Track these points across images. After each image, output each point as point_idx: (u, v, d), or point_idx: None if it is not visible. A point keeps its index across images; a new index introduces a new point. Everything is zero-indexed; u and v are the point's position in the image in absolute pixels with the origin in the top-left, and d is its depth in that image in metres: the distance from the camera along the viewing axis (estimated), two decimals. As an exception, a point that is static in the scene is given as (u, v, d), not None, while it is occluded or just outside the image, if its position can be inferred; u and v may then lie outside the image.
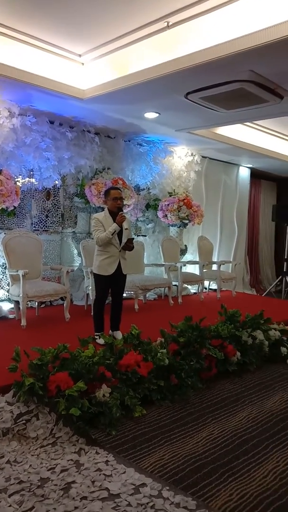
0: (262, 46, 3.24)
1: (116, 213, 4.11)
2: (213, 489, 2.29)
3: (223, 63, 3.59)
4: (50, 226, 6.12)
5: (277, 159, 7.85)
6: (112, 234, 4.00)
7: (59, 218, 6.21)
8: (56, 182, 5.77)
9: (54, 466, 2.44)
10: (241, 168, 9.11)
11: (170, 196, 6.95)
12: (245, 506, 2.15)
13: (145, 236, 7.23)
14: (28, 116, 5.24)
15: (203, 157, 7.84)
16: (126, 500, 2.17)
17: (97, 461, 2.51)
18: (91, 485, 2.27)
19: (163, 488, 2.27)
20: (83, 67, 4.65)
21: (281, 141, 7.54)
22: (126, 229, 4.10)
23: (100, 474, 2.37)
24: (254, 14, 3.27)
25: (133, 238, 4.29)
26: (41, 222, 6.02)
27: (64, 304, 4.92)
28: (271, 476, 2.44)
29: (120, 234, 4.09)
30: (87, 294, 5.56)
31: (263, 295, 8.95)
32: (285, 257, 8.75)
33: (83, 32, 3.99)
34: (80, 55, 4.52)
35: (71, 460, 2.51)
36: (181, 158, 7.34)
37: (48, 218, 6.09)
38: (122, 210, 4.18)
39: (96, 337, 4.05)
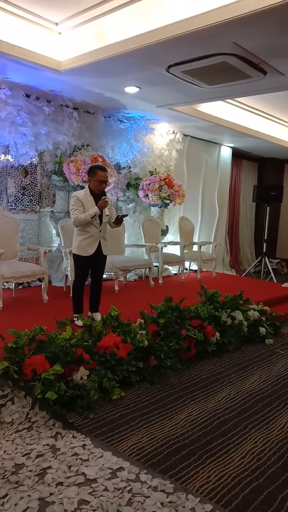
0: (245, 16, 3.10)
1: (97, 194, 3.97)
2: (191, 471, 2.28)
3: (205, 34, 3.44)
4: (27, 205, 5.92)
5: (259, 138, 7.77)
6: (91, 218, 3.87)
7: (37, 196, 6.02)
8: (33, 159, 5.56)
9: (30, 451, 2.38)
10: (222, 147, 9.00)
11: (151, 175, 6.82)
12: (223, 488, 2.15)
13: (126, 216, 7.10)
14: (3, 88, 4.98)
15: (184, 135, 7.69)
16: (103, 484, 2.13)
17: (74, 446, 2.46)
18: (67, 470, 2.23)
19: (141, 472, 2.25)
20: (60, 37, 4.41)
21: (263, 120, 7.44)
22: (107, 215, 3.96)
23: (76, 459, 2.33)
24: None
25: (127, 214, 4.18)
26: (18, 200, 5.82)
27: (42, 286, 4.81)
28: (249, 457, 2.44)
29: (100, 215, 3.96)
30: (66, 275, 5.45)
31: (242, 276, 9.00)
32: (265, 238, 8.77)
33: (59, -2, 3.77)
34: (57, 24, 4.28)
35: (47, 445, 2.46)
36: (162, 136, 7.18)
37: (25, 196, 5.89)
38: (105, 194, 4.02)
39: (74, 319, 3.97)
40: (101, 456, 2.37)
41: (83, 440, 2.52)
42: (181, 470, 2.28)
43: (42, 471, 2.21)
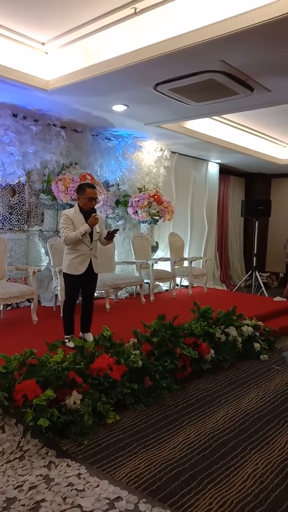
0: (232, 34, 3.13)
1: (87, 211, 3.93)
2: (192, 498, 2.18)
3: (193, 52, 3.46)
4: (15, 224, 5.84)
5: (245, 154, 7.85)
6: (82, 235, 3.82)
7: (25, 215, 5.94)
8: (21, 178, 5.50)
9: (22, 483, 2.26)
10: (210, 163, 9.07)
11: (140, 192, 6.81)
12: (226, 515, 2.05)
13: (117, 230, 7.05)
14: (-11, 108, 4.96)
15: (172, 152, 7.74)
16: (100, 517, 2.02)
17: (69, 475, 2.34)
18: (62, 502, 2.11)
19: (140, 501, 2.14)
20: (47, 56, 4.41)
21: (249, 136, 7.53)
22: (98, 232, 3.93)
23: (71, 490, 2.21)
24: (224, 1, 3.16)
25: (118, 229, 4.18)
26: (6, 220, 5.74)
27: (31, 306, 4.70)
28: (251, 481, 2.35)
29: (91, 232, 3.91)
30: (56, 295, 5.35)
31: (233, 290, 8.98)
32: (254, 252, 8.79)
33: (46, 19, 3.76)
34: (43, 44, 4.28)
35: (40, 475, 2.34)
36: (150, 153, 7.21)
37: (13, 215, 5.81)
38: (95, 211, 3.98)
39: (65, 340, 3.87)
40: (98, 486, 2.26)
41: (78, 469, 2.41)
42: (182, 497, 2.18)
43: (36, 504, 2.10)
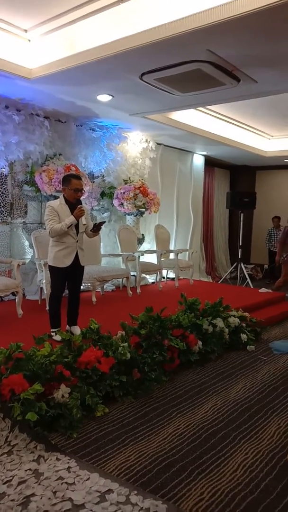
0: (219, 23, 3.09)
1: (73, 203, 3.86)
2: (183, 489, 2.18)
3: (180, 41, 3.42)
4: (-1, 217, 5.73)
5: (231, 146, 7.85)
6: (67, 227, 3.75)
7: (8, 207, 5.83)
8: (3, 169, 5.39)
9: (11, 478, 2.22)
10: (195, 155, 9.06)
11: (126, 183, 6.75)
12: (217, 505, 2.06)
13: (104, 223, 6.99)
14: None
15: (157, 143, 7.69)
16: (91, 510, 2.00)
17: (58, 469, 2.31)
18: (53, 496, 2.08)
19: (131, 493, 2.13)
20: (29, 44, 4.30)
21: (235, 128, 7.53)
22: (84, 224, 3.88)
23: (62, 483, 2.18)
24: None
25: (105, 221, 4.16)
26: (-11, 212, 5.62)
27: (16, 300, 4.62)
28: (241, 470, 2.36)
29: (77, 224, 3.86)
30: (41, 288, 5.28)
31: (219, 282, 9.03)
32: (240, 244, 8.84)
33: (29, 4, 3.66)
34: (26, 31, 4.18)
35: (30, 469, 2.30)
36: (135, 145, 7.14)
37: (-4, 208, 5.69)
38: (81, 202, 3.92)
39: (52, 333, 3.82)
40: (88, 479, 2.23)
41: (68, 462, 2.38)
42: (173, 489, 2.18)
43: (26, 499, 2.06)
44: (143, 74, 4.22)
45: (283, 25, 3.14)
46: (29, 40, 4.30)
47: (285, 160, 9.42)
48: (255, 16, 3.01)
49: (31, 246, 5.69)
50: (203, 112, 6.65)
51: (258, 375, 3.85)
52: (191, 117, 6.62)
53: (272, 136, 8.57)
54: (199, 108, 6.43)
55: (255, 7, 2.94)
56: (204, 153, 9.02)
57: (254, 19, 3.06)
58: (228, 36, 3.35)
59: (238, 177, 10.81)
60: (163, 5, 3.37)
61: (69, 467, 2.34)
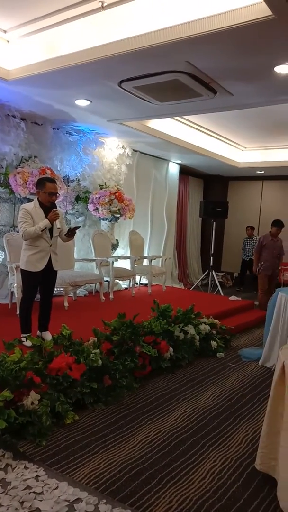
0: (199, 36, 3.17)
1: (47, 206, 3.83)
2: (152, 497, 2.18)
3: (159, 51, 3.47)
4: None
5: (205, 155, 7.99)
6: (41, 231, 3.72)
7: (-20, 209, 5.71)
8: (-23, 169, 5.29)
9: (-24, 488, 2.17)
10: (170, 163, 9.16)
11: (101, 189, 6.74)
12: (185, 512, 2.08)
13: (79, 227, 6.94)
14: None
15: (134, 150, 7.74)
16: (59, 520, 1.98)
17: (26, 478, 2.27)
18: (20, 507, 2.04)
19: (100, 502, 2.12)
20: (8, 45, 4.26)
21: (209, 138, 7.67)
22: (58, 228, 3.85)
23: (29, 493, 2.14)
24: (191, 3, 3.18)
25: (80, 226, 4.15)
26: None
27: (-14, 303, 4.53)
28: (209, 477, 2.39)
29: (51, 228, 3.82)
30: (12, 292, 5.19)
31: (191, 289, 9.12)
32: (211, 252, 8.97)
33: (10, 6, 3.63)
34: (5, 31, 4.13)
35: (-4, 479, 2.25)
36: (112, 150, 7.16)
37: None
38: (55, 206, 3.89)
39: (23, 339, 3.75)
40: (56, 488, 2.21)
41: (36, 471, 2.34)
42: (142, 497, 2.18)
43: (-9, 510, 2.02)
44: (122, 81, 4.26)
45: (258, 41, 3.24)
46: (8, 41, 4.26)
47: (257, 172, 9.66)
48: (233, 32, 3.10)
49: (2, 248, 5.58)
50: (179, 121, 6.75)
51: (227, 382, 3.91)
52: (168, 126, 6.70)
53: (245, 147, 8.78)
54: (175, 117, 6.52)
55: (233, 23, 3.03)
56: (179, 161, 9.14)
57: (231, 35, 3.16)
58: (206, 49, 3.43)
59: (211, 186, 10.99)
60: (144, 15, 3.42)
61: (37, 476, 2.30)
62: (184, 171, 9.83)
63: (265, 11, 2.84)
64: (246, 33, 3.11)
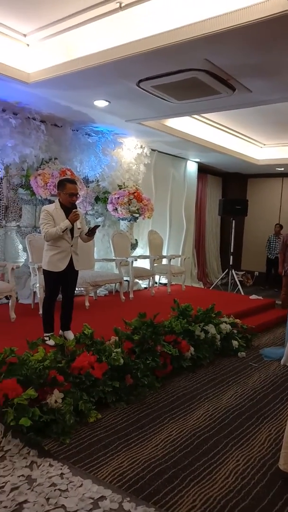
0: (217, 34, 3.15)
1: (68, 207, 3.88)
2: (176, 496, 2.19)
3: (177, 50, 3.46)
4: (-8, 219, 5.71)
5: (224, 153, 7.93)
6: (62, 231, 3.76)
7: (2, 210, 5.81)
8: (-1, 172, 5.39)
9: (3, 484, 2.21)
10: (189, 162, 9.13)
11: (120, 189, 6.78)
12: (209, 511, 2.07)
13: (99, 226, 7.00)
14: None
15: (152, 150, 7.74)
16: (84, 517, 2.00)
17: (51, 475, 2.31)
18: (46, 503, 2.08)
19: (124, 500, 2.13)
20: (28, 49, 4.32)
21: (227, 135, 7.61)
22: (79, 228, 3.89)
23: (55, 490, 2.18)
24: (209, 1, 3.17)
25: (99, 225, 4.15)
26: (-18, 214, 5.60)
27: (10, 303, 4.60)
28: (233, 477, 2.38)
29: (72, 229, 3.87)
30: (34, 292, 5.26)
31: (210, 288, 9.07)
32: (231, 250, 8.91)
33: (29, 10, 3.69)
34: (25, 35, 4.20)
35: (22, 475, 2.29)
36: (130, 150, 7.18)
37: (-10, 210, 5.67)
38: (76, 207, 3.94)
39: (45, 338, 3.81)
40: (81, 485, 2.23)
41: (61, 469, 2.37)
42: (165, 495, 2.19)
43: (18, 506, 2.05)
44: (140, 81, 4.26)
45: (278, 37, 3.20)
46: (28, 45, 4.32)
47: (277, 169, 9.53)
48: (252, 27, 3.06)
49: (24, 249, 5.68)
50: (197, 119, 6.71)
51: (249, 382, 3.88)
52: (186, 124, 6.68)
53: (264, 144, 8.67)
54: (193, 116, 6.49)
55: (251, 19, 3.00)
56: (198, 160, 9.10)
57: (251, 31, 3.12)
58: (224, 46, 3.41)
59: (230, 184, 10.90)
60: (162, 14, 3.42)
61: (62, 474, 2.33)
62: (203, 169, 9.78)
63: (283, 5, 2.80)
64: (265, 28, 3.07)
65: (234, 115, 6.39)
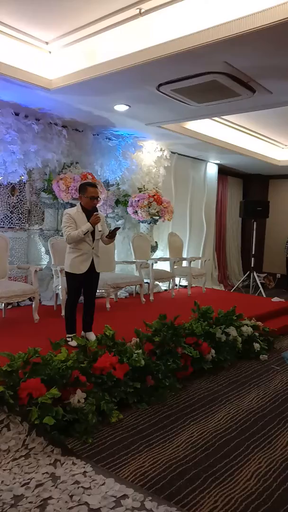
0: (237, 36, 3.16)
1: (89, 210, 3.95)
2: (197, 496, 2.20)
3: (197, 54, 3.48)
4: (16, 223, 5.84)
5: (244, 155, 7.89)
6: (84, 234, 3.83)
7: (25, 214, 5.95)
8: (22, 176, 5.51)
9: (28, 480, 2.27)
10: (209, 164, 9.11)
11: (140, 192, 6.83)
12: (231, 513, 2.08)
13: (119, 228, 7.07)
14: (-9, 107, 4.96)
15: (172, 152, 7.77)
16: (107, 514, 2.04)
17: (74, 473, 2.36)
18: (69, 500, 2.13)
19: (146, 499, 2.16)
20: (50, 56, 4.42)
21: (248, 137, 7.56)
22: (100, 231, 3.96)
23: (78, 487, 2.23)
24: (228, 4, 3.18)
25: (120, 227, 4.19)
26: (6, 218, 5.74)
27: (33, 305, 4.70)
28: (254, 479, 2.38)
29: (93, 231, 3.93)
30: (57, 294, 5.36)
31: (231, 291, 9.02)
32: (252, 253, 8.83)
33: (51, 18, 3.78)
34: (47, 43, 4.30)
35: (47, 473, 2.35)
36: (150, 153, 7.23)
37: (14, 214, 5.81)
38: (97, 210, 4.01)
39: (68, 339, 3.88)
40: (103, 484, 2.28)
41: (84, 467, 2.42)
42: (187, 496, 2.21)
43: (43, 502, 2.11)
44: (160, 85, 4.30)
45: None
46: (50, 52, 4.41)
47: (299, 169, 9.41)
48: (270, 30, 3.06)
49: (47, 252, 5.79)
50: (217, 121, 6.70)
51: (271, 385, 3.85)
52: (205, 126, 6.68)
53: (285, 145, 8.57)
54: (213, 118, 6.48)
55: (270, 21, 3.00)
56: (218, 161, 9.07)
57: (269, 33, 3.12)
58: (244, 49, 3.41)
59: (251, 186, 10.81)
60: (181, 18, 3.45)
61: (85, 472, 2.38)
62: (223, 171, 9.74)
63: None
64: (284, 30, 3.07)
65: (255, 116, 6.35)
